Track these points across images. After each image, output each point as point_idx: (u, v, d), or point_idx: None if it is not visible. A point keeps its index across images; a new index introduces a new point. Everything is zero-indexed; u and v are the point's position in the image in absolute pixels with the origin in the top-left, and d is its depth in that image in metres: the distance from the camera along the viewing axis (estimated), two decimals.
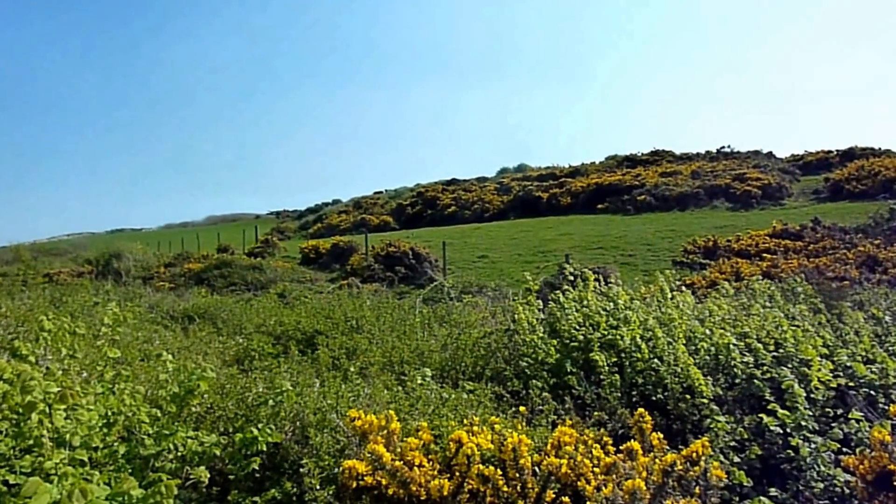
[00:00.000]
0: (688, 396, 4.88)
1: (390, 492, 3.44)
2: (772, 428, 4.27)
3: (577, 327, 5.68)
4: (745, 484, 3.87)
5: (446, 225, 42.36)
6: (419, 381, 4.73)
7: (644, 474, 3.50)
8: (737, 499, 3.90)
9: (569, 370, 5.24)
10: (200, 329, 9.26)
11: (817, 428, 4.27)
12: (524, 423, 4.24)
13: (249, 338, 7.95)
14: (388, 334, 7.82)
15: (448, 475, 3.54)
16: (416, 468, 3.53)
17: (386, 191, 73.94)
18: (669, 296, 6.45)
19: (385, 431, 3.76)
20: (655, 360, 5.24)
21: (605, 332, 5.60)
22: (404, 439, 3.72)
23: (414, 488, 3.44)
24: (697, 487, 3.45)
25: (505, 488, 3.45)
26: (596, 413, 4.61)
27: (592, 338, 5.49)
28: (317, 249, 27.00)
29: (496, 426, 3.93)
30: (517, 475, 3.50)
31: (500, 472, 3.50)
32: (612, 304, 6.03)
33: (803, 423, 4.18)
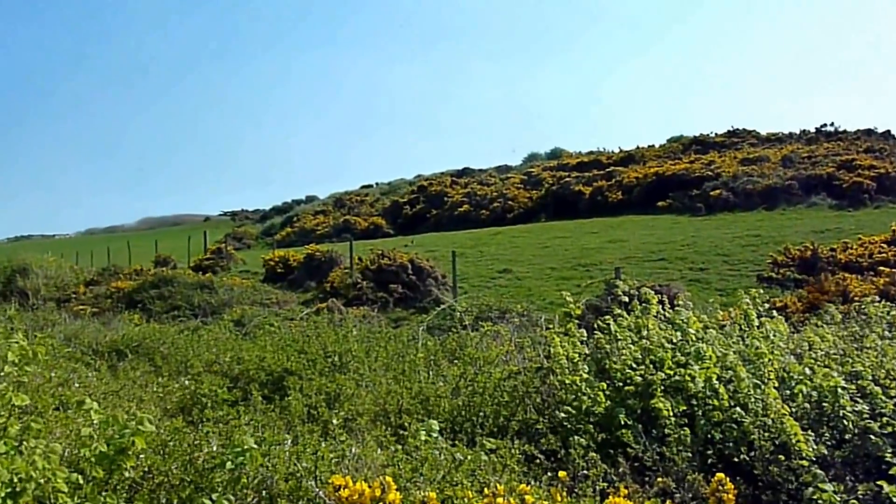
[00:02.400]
0: (781, 457, 4.85)
1: None
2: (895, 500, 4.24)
3: (634, 365, 5.66)
4: None
5: (456, 229, 42.63)
6: (424, 437, 4.72)
7: None
8: None
9: (623, 422, 5.22)
10: (133, 367, 9.29)
11: None
12: (564, 493, 4.22)
13: (198, 379, 7.97)
14: (381, 374, 7.81)
15: None
16: None
17: (377, 184, 74.11)
18: (755, 323, 6.43)
19: None
20: (738, 409, 5.21)
21: (672, 372, 5.58)
22: None
23: None
24: None
25: None
26: (659, 479, 4.59)
27: (654, 379, 5.47)
28: (285, 262, 27.15)
29: (527, 497, 3.92)
30: None
31: None
32: (679, 334, 6.02)
33: None
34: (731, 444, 5.09)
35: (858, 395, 5.33)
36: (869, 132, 45.75)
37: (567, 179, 44.03)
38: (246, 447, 4.09)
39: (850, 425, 5.08)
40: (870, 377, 5.50)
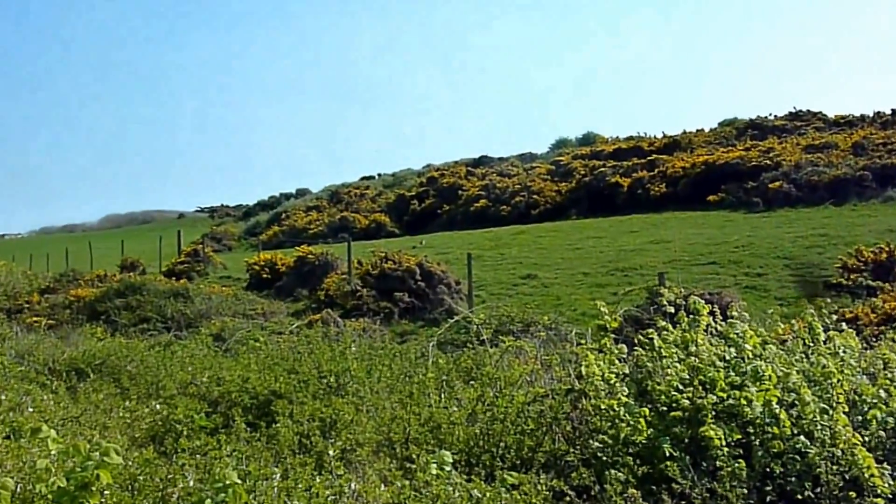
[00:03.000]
0: (852, 494, 4.83)
1: None
2: None
3: (681, 387, 5.66)
4: None
5: (473, 227, 42.66)
6: (435, 471, 4.73)
7: None
8: None
9: (667, 453, 5.21)
10: (96, 389, 9.33)
11: None
12: None
13: (171, 403, 8.01)
14: (384, 398, 7.82)
15: None
16: None
17: (380, 176, 74.05)
18: (822, 338, 6.41)
19: None
20: (802, 438, 5.20)
21: (724, 395, 5.57)
22: None
23: None
24: None
25: None
26: None
27: (704, 403, 5.46)
28: (272, 266, 27.28)
29: None
30: None
31: None
32: (733, 350, 6.00)
33: None
34: (793, 479, 5.08)
35: None
36: None
37: (602, 169, 43.97)
38: (228, 482, 4.10)
39: None
40: None
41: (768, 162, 37.13)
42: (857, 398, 5.62)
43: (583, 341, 6.78)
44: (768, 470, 5.17)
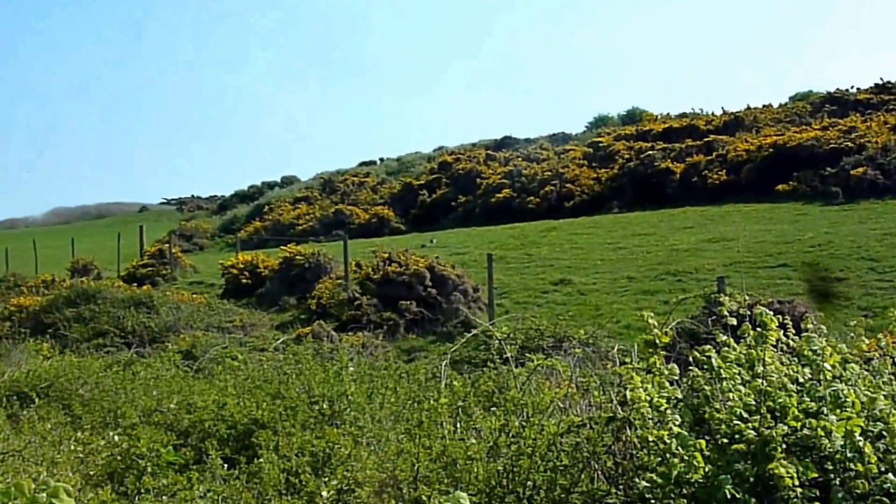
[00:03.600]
0: None
1: None
2: None
3: (745, 415, 5.65)
4: None
5: (494, 223, 42.77)
6: None
7: None
8: None
9: (729, 494, 5.21)
10: (43, 417, 9.37)
11: None
12: None
13: (132, 434, 8.03)
14: (388, 428, 7.84)
15: None
16: None
17: (382, 161, 74.09)
18: None
19: None
20: (890, 476, 5.18)
21: (798, 424, 5.56)
22: None
23: None
24: None
25: None
26: None
27: (773, 434, 5.45)
28: (253, 269, 27.43)
29: None
30: None
31: None
32: (808, 371, 5.99)
33: None
34: None
35: None
36: None
37: (650, 153, 43.91)
38: None
39: None
40: None
41: (850, 144, 36.96)
42: None
43: (627, 360, 6.76)
44: None
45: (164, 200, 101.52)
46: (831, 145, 37.24)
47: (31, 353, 15.54)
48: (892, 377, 6.25)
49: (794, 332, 6.60)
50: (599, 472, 5.84)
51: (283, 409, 8.48)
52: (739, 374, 6.04)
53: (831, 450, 5.39)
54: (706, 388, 5.97)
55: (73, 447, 7.84)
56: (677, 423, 5.75)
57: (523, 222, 39.69)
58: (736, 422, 5.64)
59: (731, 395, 5.84)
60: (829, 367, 6.05)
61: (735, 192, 37.29)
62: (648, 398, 5.84)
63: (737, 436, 5.59)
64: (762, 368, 6.05)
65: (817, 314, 7.07)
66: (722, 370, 6.03)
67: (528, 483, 5.92)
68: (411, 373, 10.56)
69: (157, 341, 19.54)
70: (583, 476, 5.87)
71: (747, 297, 6.92)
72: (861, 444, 5.34)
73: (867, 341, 7.11)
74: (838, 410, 5.62)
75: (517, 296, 22.30)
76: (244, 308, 24.13)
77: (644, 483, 5.49)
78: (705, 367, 6.12)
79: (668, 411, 5.83)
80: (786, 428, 5.55)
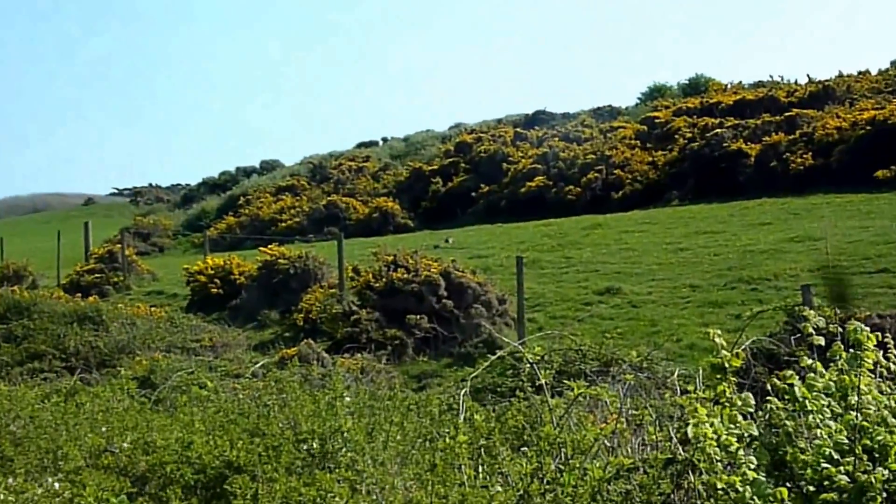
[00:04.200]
0: None
1: None
2: None
3: (836, 456, 5.65)
4: None
5: (524, 218, 42.81)
6: None
7: None
8: None
9: None
10: None
11: None
12: None
13: (76, 480, 8.07)
14: (394, 472, 7.85)
15: None
16: None
17: (385, 141, 74.00)
18: None
19: None
20: None
21: None
22: None
23: None
24: None
25: None
26: None
27: (870, 480, 5.46)
28: (226, 276, 27.44)
29: None
30: None
31: None
32: None
33: None
34: None
35: None
36: None
37: (718, 131, 43.83)
38: None
39: None
40: None
41: None
42: None
43: (689, 388, 6.79)
44: None
45: (115, 191, 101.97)
46: None
47: None
48: None
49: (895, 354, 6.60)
50: None
51: (263, 450, 8.49)
52: (829, 405, 6.04)
53: None
54: (788, 423, 5.97)
55: (2, 496, 7.88)
56: (752, 466, 5.76)
57: (561, 217, 39.67)
58: (825, 465, 5.65)
59: (818, 431, 5.84)
60: None
61: (824, 180, 37.12)
62: (716, 435, 5.85)
63: (826, 482, 5.60)
64: (857, 399, 6.05)
65: None
66: (807, 401, 6.04)
67: None
68: (422, 404, 10.55)
69: (107, 365, 19.56)
70: None
71: (838, 311, 6.93)
72: None
73: None
74: None
75: (553, 309, 22.30)
76: (214, 324, 24.15)
77: None
78: (786, 396, 6.12)
79: (741, 452, 5.84)
80: (886, 472, 5.56)
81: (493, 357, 14.33)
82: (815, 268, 22.37)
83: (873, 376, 6.24)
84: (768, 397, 6.17)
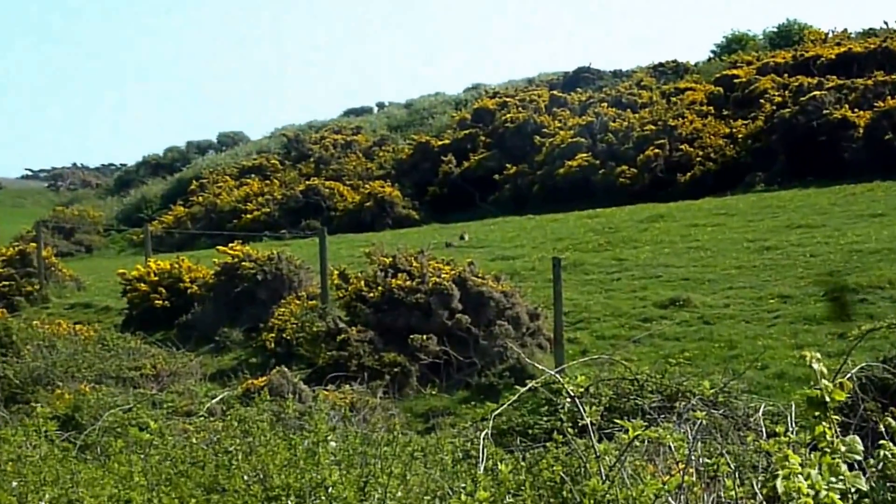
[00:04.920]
0: None
1: None
2: None
3: None
4: None
5: (564, 208, 43.01)
6: None
7: None
8: None
9: None
10: None
11: None
12: None
13: None
14: None
15: None
16: None
17: (382, 108, 73.91)
18: None
19: None
20: None
21: None
22: None
23: None
24: None
25: None
26: None
27: None
28: (174, 283, 27.41)
29: None
30: None
31: None
32: None
33: None
34: None
35: None
36: None
37: (815, 94, 43.76)
38: None
39: None
40: None
41: None
42: None
43: (779, 429, 6.79)
44: None
45: (29, 173, 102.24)
46: None
47: None
48: None
49: None
50: None
51: None
52: None
53: None
54: None
55: None
56: None
57: (610, 206, 39.65)
58: None
59: None
60: None
61: None
62: (813, 491, 5.85)
63: None
64: None
65: None
66: None
67: None
68: (430, 450, 10.58)
69: (18, 401, 19.56)
70: None
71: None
72: None
73: None
74: None
75: (601, 326, 22.24)
76: (159, 346, 24.09)
77: None
78: None
79: None
80: None
81: (523, 389, 14.30)
82: None
83: None
84: (881, 441, 6.16)
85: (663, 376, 15.98)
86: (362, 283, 22.40)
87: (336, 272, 24.06)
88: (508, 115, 52.47)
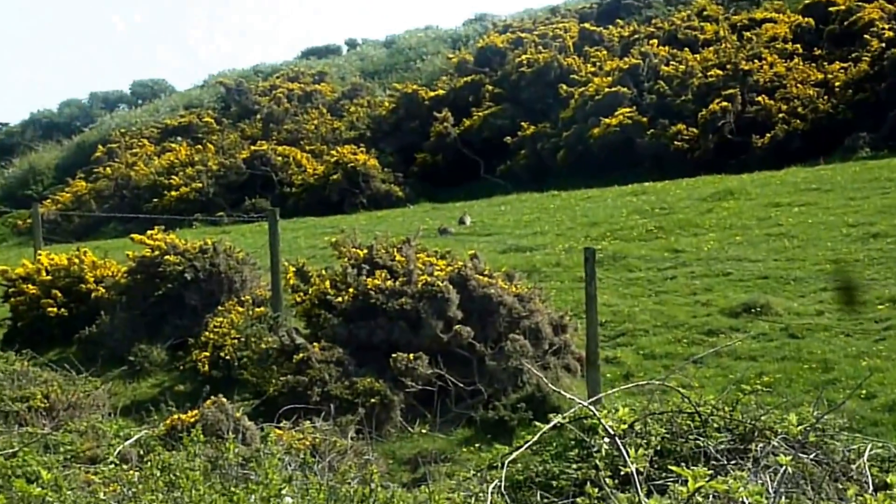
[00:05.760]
0: None
1: None
2: None
3: None
4: None
5: (599, 181, 43.31)
6: None
7: None
8: None
9: None
10: None
11: None
12: None
13: None
14: None
15: None
16: None
17: (353, 48, 73.77)
18: None
19: None
20: None
21: None
22: None
23: None
24: None
25: None
26: None
27: None
28: (73, 285, 27.29)
29: None
30: None
31: None
32: None
33: None
34: None
35: None
36: None
37: None
38: None
39: None
40: None
41: None
42: None
43: (890, 479, 6.88)
44: None
45: None
46: None
47: None
48: None
49: None
50: None
51: None
52: None
53: None
54: None
55: None
56: None
57: (662, 180, 39.68)
58: None
59: None
60: None
61: None
62: None
63: None
64: None
65: None
66: None
67: None
68: None
69: None
70: None
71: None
72: None
73: None
74: None
75: (650, 341, 22.18)
76: (53, 369, 24.09)
77: None
78: None
79: None
80: None
81: (546, 427, 14.36)
82: None
83: None
84: None
85: (734, 408, 15.94)
86: (327, 283, 22.13)
87: (292, 269, 23.83)
88: (524, 57, 52.44)
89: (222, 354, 22.48)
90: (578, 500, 9.96)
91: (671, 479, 9.37)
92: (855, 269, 24.69)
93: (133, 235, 28.11)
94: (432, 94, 53.00)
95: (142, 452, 15.27)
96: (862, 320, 21.80)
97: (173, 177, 51.25)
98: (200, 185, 49.55)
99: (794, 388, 18.60)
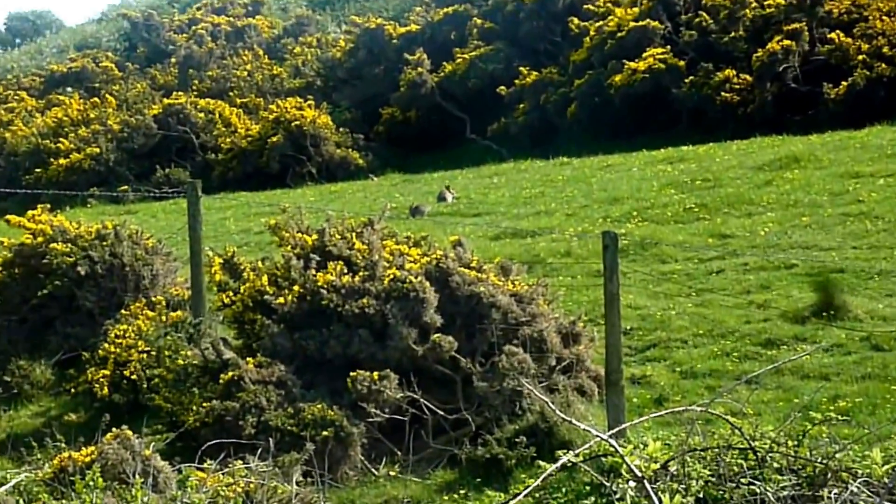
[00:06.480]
0: None
1: None
2: None
3: None
4: None
5: (622, 145, 44.08)
6: None
7: None
8: None
9: None
10: None
11: None
12: None
13: None
14: None
15: None
16: None
17: None
18: None
19: None
20: None
21: None
22: None
23: None
24: None
25: None
26: None
27: None
28: None
29: None
30: None
31: None
32: None
33: None
34: None
35: None
36: None
37: None
38: None
39: None
40: None
41: None
42: None
43: None
44: None
45: None
46: None
47: None
48: None
49: None
50: None
51: None
52: None
53: None
54: None
55: None
56: None
57: (703, 143, 39.75)
58: None
59: None
60: None
61: None
62: None
63: None
64: None
65: None
66: None
67: None
68: None
69: None
70: None
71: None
72: None
73: None
74: None
75: (690, 354, 22.13)
76: None
77: None
78: None
79: None
80: None
81: (552, 467, 14.39)
82: None
83: None
84: None
85: (800, 443, 15.99)
86: (265, 279, 21.86)
87: (218, 260, 23.39)
88: None
89: (126, 373, 22.32)
90: None
91: None
92: None
93: (8, 217, 27.99)
94: (402, 30, 53.04)
95: (21, 502, 15.27)
96: None
97: (62, 140, 51.03)
98: (97, 150, 49.29)
99: (878, 416, 18.58)
